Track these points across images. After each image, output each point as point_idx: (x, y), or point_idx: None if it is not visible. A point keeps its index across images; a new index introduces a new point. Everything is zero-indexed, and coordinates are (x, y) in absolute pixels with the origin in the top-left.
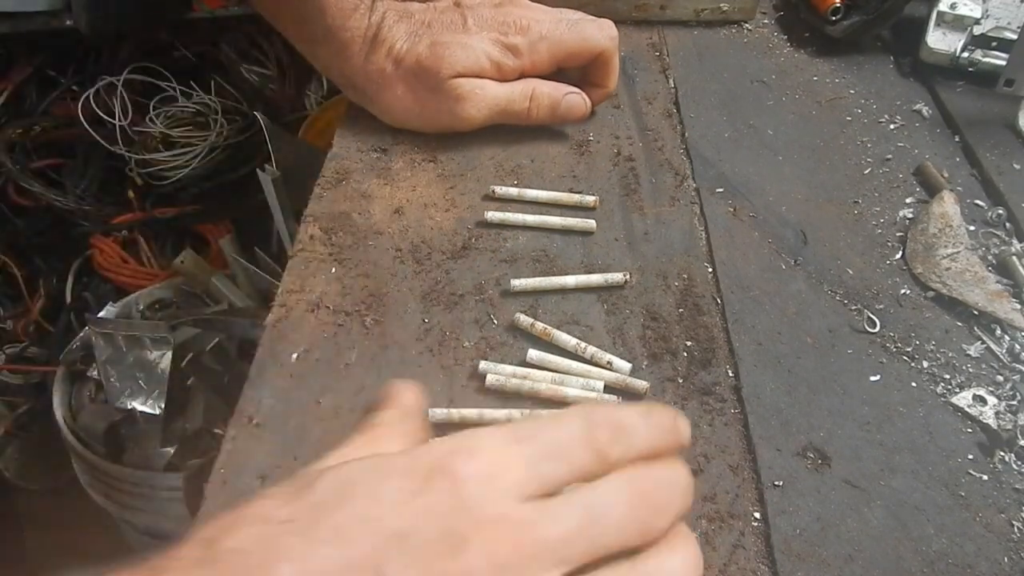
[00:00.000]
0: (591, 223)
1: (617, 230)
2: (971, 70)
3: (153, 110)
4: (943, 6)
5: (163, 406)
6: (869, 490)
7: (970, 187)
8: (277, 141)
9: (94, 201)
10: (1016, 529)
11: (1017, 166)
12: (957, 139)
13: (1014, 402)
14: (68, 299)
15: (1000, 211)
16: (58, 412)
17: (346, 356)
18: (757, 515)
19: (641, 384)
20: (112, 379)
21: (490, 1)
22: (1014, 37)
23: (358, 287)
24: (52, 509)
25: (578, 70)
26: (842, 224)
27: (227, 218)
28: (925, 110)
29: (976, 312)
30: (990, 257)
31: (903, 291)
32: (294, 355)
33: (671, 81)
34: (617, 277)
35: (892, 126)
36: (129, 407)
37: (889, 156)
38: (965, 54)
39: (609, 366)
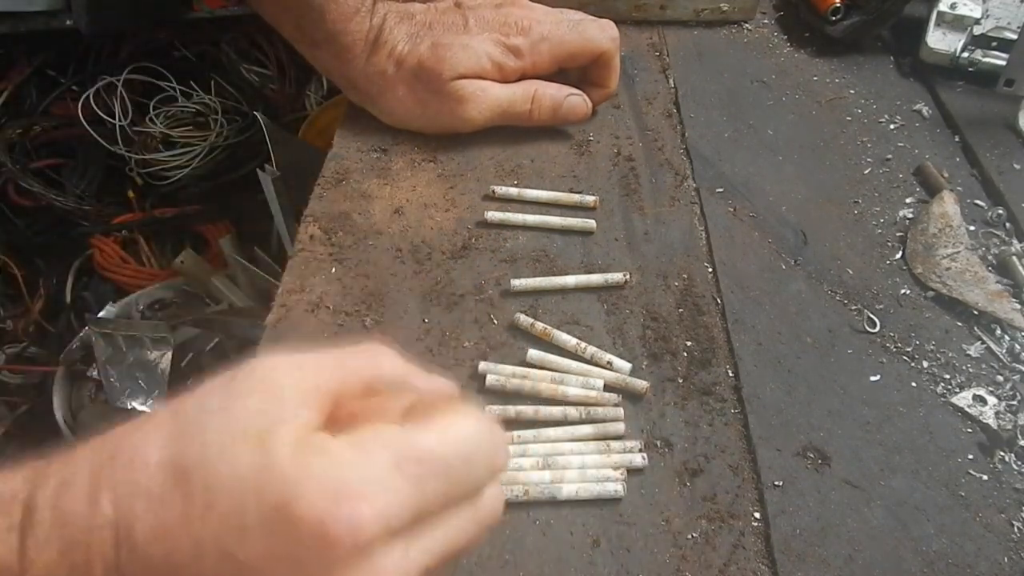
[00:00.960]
0: (591, 223)
1: (617, 230)
2: (971, 70)
3: (153, 110)
4: (943, 6)
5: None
6: (869, 490)
7: (970, 187)
8: (277, 141)
9: (94, 201)
10: (1016, 529)
11: (1017, 166)
12: (957, 139)
13: (1014, 402)
14: (68, 299)
15: (1000, 211)
16: (58, 412)
17: None
18: (757, 515)
19: (641, 384)
20: (112, 379)
21: (491, 2)
22: (1014, 37)
23: (358, 287)
24: None
25: (579, 70)
26: (842, 224)
27: (227, 218)
28: (925, 110)
29: (976, 312)
30: (990, 257)
31: (903, 291)
32: None
33: (671, 81)
34: (617, 277)
35: (892, 126)
36: (129, 407)
37: (889, 156)
38: (965, 54)
39: (609, 366)
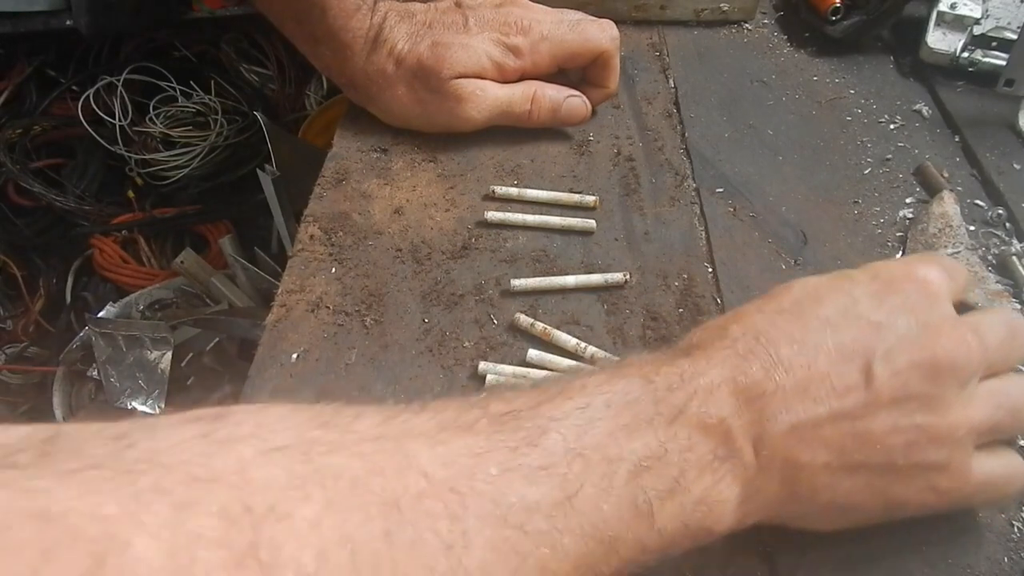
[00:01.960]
0: (591, 223)
1: (617, 230)
2: (971, 70)
3: (153, 110)
4: (943, 6)
5: (163, 406)
6: None
7: (970, 187)
8: (277, 141)
9: (94, 201)
10: (1016, 529)
11: (1017, 166)
12: (957, 139)
13: None
14: (68, 299)
15: (1000, 211)
16: (58, 412)
17: (346, 356)
18: None
19: None
20: (112, 379)
21: (491, 1)
22: (1014, 37)
23: (358, 287)
24: None
25: (579, 71)
26: (842, 224)
27: (227, 218)
28: (925, 110)
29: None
30: (990, 257)
31: None
32: (294, 355)
33: (671, 81)
34: (617, 277)
35: (892, 126)
36: (129, 407)
37: (889, 156)
38: (965, 54)
39: None
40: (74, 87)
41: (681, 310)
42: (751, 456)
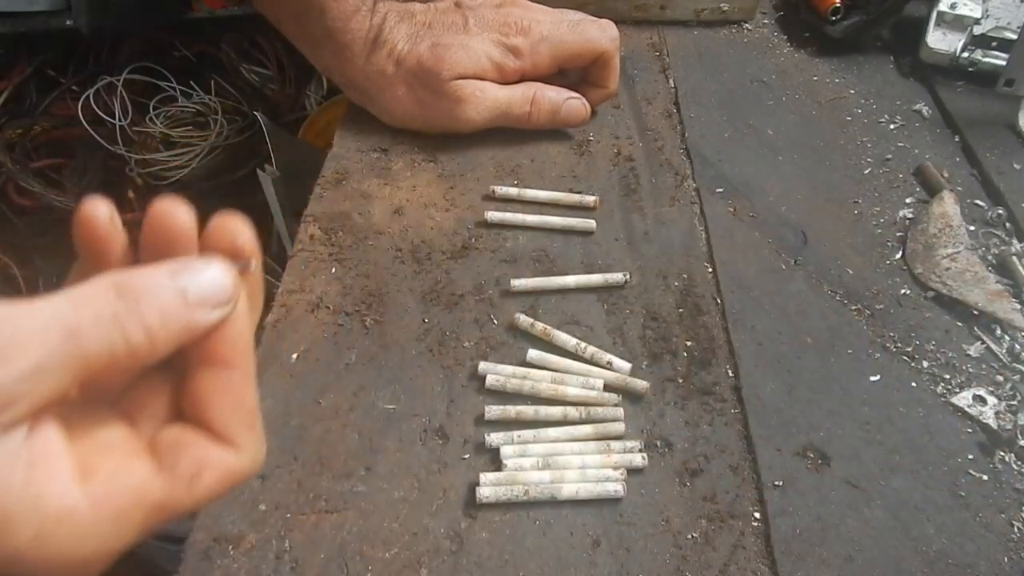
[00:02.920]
0: (591, 223)
1: (617, 230)
2: (971, 70)
3: (153, 110)
4: (943, 6)
5: None
6: (869, 490)
7: (970, 187)
8: (277, 141)
9: None
10: (1016, 529)
11: (1017, 166)
12: (957, 139)
13: (1014, 402)
14: None
15: (1000, 211)
16: None
17: (346, 356)
18: (757, 515)
19: (641, 384)
20: None
21: (491, 2)
22: (1014, 37)
23: (358, 287)
24: None
25: (579, 71)
26: (842, 224)
27: None
28: (925, 110)
29: (976, 312)
30: (990, 257)
31: (903, 291)
32: (294, 355)
33: (671, 81)
34: (617, 277)
35: (892, 126)
36: None
37: (889, 156)
38: (965, 54)
39: (609, 366)
40: (74, 87)
41: (681, 310)
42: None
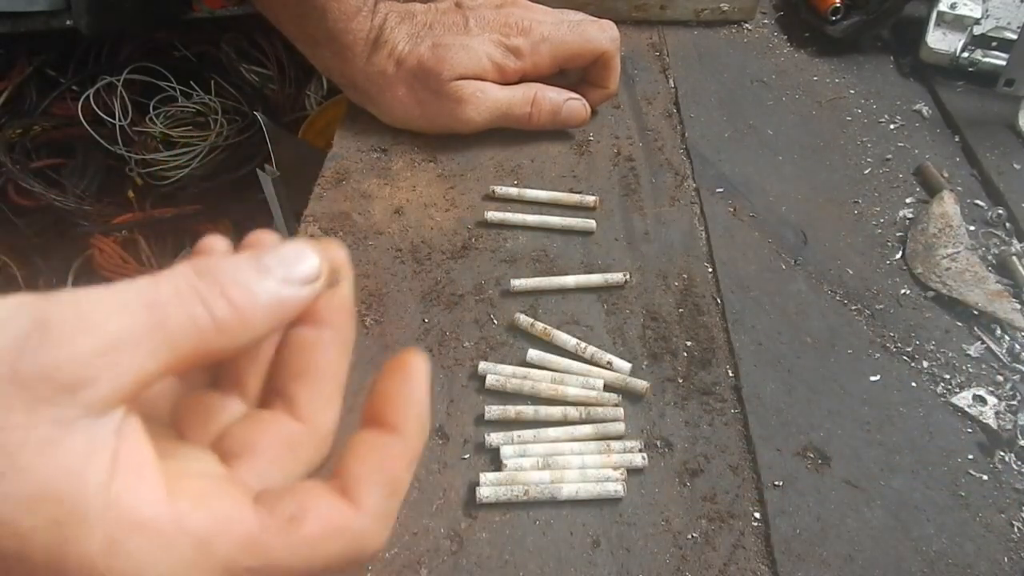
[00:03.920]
0: (591, 223)
1: (617, 230)
2: (971, 70)
3: (153, 110)
4: (943, 6)
5: None
6: (869, 490)
7: (970, 187)
8: (277, 141)
9: (94, 201)
10: (1016, 529)
11: (1017, 166)
12: (957, 139)
13: (1014, 402)
14: None
15: (1000, 211)
16: None
17: None
18: (757, 515)
19: (641, 384)
20: None
21: (491, 2)
22: (1014, 37)
23: (358, 287)
24: None
25: (579, 71)
26: (842, 224)
27: (227, 218)
28: (925, 110)
29: (976, 312)
30: (990, 257)
31: (903, 291)
32: None
33: (671, 81)
34: (617, 277)
35: (892, 126)
36: None
37: (889, 156)
38: (965, 54)
39: (609, 366)
40: (74, 87)
41: (681, 310)
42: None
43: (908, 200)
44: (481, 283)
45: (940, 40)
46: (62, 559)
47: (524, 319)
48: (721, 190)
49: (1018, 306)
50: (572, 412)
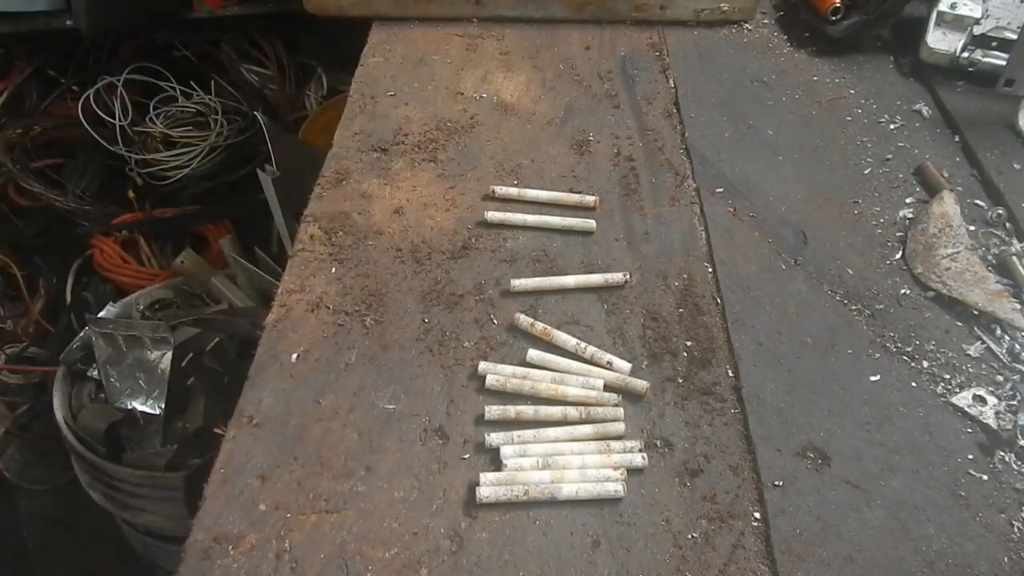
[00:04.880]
0: (591, 223)
1: (617, 230)
2: (971, 70)
3: (153, 110)
4: (943, 6)
5: (163, 406)
6: (869, 490)
7: (970, 187)
8: (277, 141)
9: (94, 201)
10: (1016, 529)
11: (1017, 166)
12: (957, 139)
13: (1014, 402)
14: (68, 299)
15: (1000, 211)
16: (58, 412)
17: (346, 356)
18: (757, 515)
19: (641, 384)
20: (112, 379)
21: None
22: (1014, 37)
23: (358, 287)
24: (52, 509)
25: None
26: (842, 224)
27: (227, 218)
28: (925, 110)
29: (976, 312)
30: (990, 257)
31: (903, 291)
32: (294, 355)
33: (671, 81)
34: (617, 277)
35: (892, 126)
36: (129, 407)
37: (889, 156)
38: (965, 54)
39: (609, 366)
40: (74, 87)
41: (681, 310)
42: None
43: (908, 200)
44: (481, 283)
45: (940, 40)
46: None
47: (524, 319)
48: (721, 190)
49: (1018, 306)
50: (572, 412)
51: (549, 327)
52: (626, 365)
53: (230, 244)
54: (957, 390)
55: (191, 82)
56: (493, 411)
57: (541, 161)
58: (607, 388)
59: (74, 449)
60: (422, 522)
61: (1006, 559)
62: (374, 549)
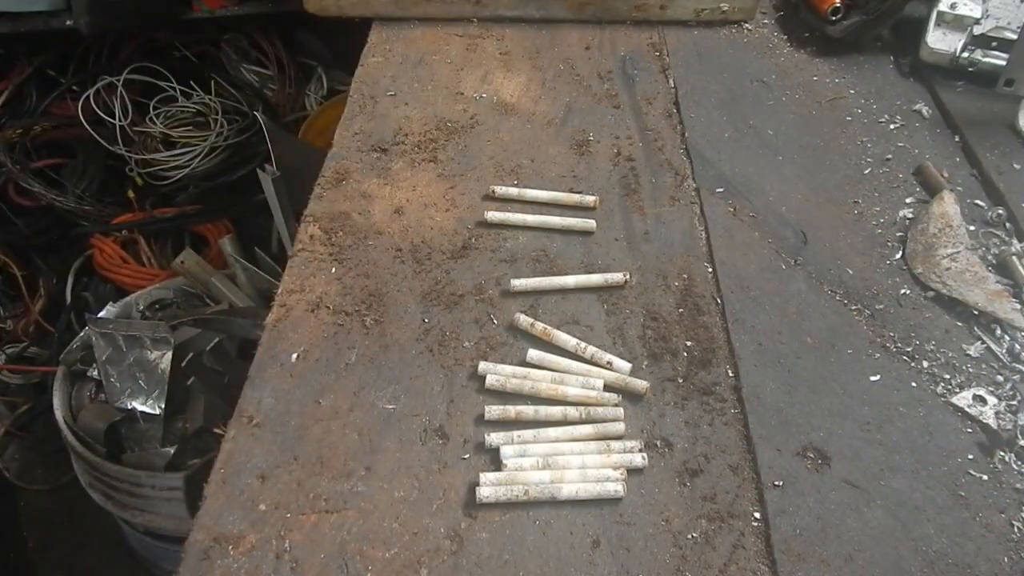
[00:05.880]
0: (591, 223)
1: (617, 230)
2: (971, 70)
3: (153, 110)
4: (943, 6)
5: (163, 406)
6: (869, 490)
7: (970, 187)
8: (277, 141)
9: (94, 201)
10: (1016, 529)
11: (1017, 166)
12: (957, 139)
13: (1014, 402)
14: (68, 299)
15: (1000, 211)
16: (58, 412)
17: (346, 356)
18: (757, 515)
19: (641, 384)
20: (112, 379)
21: None
22: (1014, 37)
23: (358, 287)
24: (52, 509)
25: None
26: (842, 224)
27: (227, 218)
28: (925, 110)
29: (976, 312)
30: (990, 257)
31: (903, 291)
32: (294, 355)
33: (671, 81)
34: (617, 277)
35: (892, 126)
36: (129, 407)
37: (889, 156)
38: (965, 54)
39: (609, 366)
40: (74, 87)
41: (681, 310)
42: None
43: (908, 200)
44: (481, 283)
45: (940, 40)
46: None
47: (524, 319)
48: (721, 190)
49: (1018, 306)
50: (572, 412)
51: (549, 327)
52: (626, 365)
53: (230, 244)
54: (957, 390)
55: (191, 82)
56: (493, 411)
57: (541, 161)
58: (607, 388)
59: (74, 449)
60: (422, 522)
61: (1006, 559)
62: (374, 549)
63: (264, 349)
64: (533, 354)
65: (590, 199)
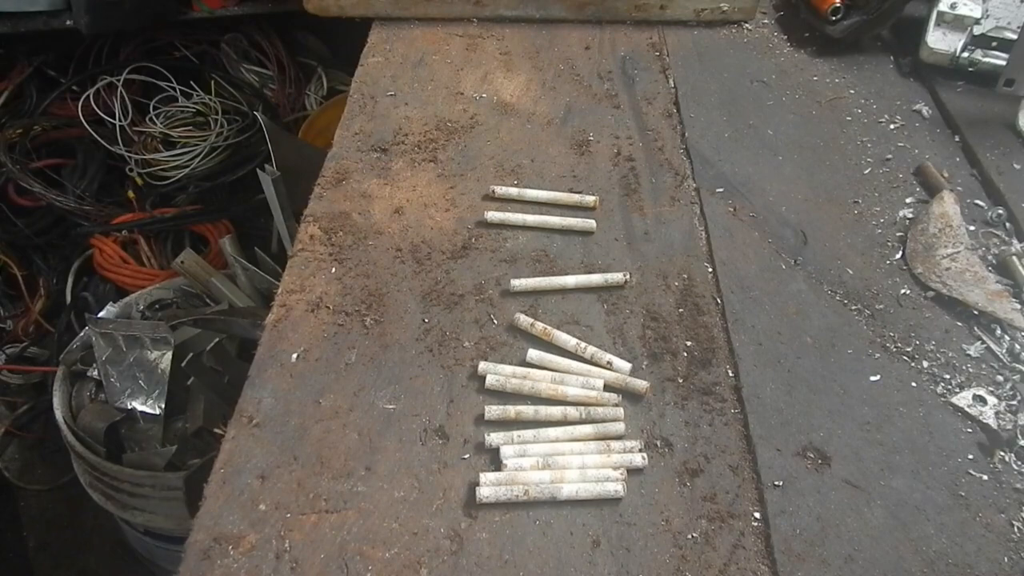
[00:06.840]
0: (591, 223)
1: (617, 230)
2: (971, 70)
3: (153, 110)
4: (943, 6)
5: (163, 406)
6: (869, 490)
7: (970, 187)
8: (277, 141)
9: (94, 201)
10: (1016, 529)
11: (1017, 166)
12: (957, 139)
13: (1014, 402)
14: (68, 299)
15: (1000, 211)
16: (58, 412)
17: (346, 356)
18: (757, 515)
19: (641, 384)
20: (112, 379)
21: None
22: (1014, 37)
23: (358, 287)
24: (52, 509)
25: None
26: (842, 224)
27: (227, 218)
28: (925, 110)
29: (976, 312)
30: (990, 257)
31: (903, 291)
32: (294, 355)
33: (671, 81)
34: (617, 277)
35: (892, 126)
36: (129, 407)
37: (889, 156)
38: (965, 54)
39: (609, 366)
40: (74, 87)
41: (681, 310)
42: None
43: (908, 200)
44: (481, 283)
45: (940, 40)
46: None
47: (524, 319)
48: (721, 190)
49: (1018, 306)
50: (572, 412)
51: (549, 327)
52: (626, 365)
53: (230, 244)
54: (957, 390)
55: (191, 82)
56: (493, 411)
57: (541, 161)
58: (607, 388)
59: (74, 449)
60: (422, 522)
61: (1006, 559)
62: (374, 549)
63: (264, 349)
64: (533, 354)
65: (590, 199)
